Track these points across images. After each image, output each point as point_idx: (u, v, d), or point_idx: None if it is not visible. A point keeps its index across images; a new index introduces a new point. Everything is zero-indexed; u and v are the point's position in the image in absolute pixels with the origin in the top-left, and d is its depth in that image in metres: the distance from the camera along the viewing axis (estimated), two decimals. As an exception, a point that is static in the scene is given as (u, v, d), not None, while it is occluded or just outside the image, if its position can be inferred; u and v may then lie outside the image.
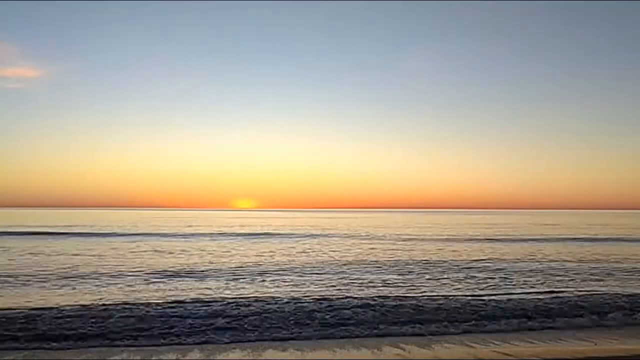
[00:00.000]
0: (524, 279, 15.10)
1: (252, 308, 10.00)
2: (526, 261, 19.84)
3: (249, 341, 8.28)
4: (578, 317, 10.12)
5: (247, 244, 28.13)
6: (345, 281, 14.23)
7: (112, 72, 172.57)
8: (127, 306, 10.07)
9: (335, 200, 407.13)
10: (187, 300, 10.88)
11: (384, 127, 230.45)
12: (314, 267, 17.43)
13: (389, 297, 11.53)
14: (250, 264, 18.27)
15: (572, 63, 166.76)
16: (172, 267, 17.10)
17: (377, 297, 11.46)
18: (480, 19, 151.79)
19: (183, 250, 23.52)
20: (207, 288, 12.88)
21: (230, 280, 14.32)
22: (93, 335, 8.33)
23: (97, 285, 13.15)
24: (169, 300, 10.86)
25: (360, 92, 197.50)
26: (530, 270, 16.95)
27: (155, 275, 15.02)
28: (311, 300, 10.85)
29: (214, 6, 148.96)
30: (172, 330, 8.64)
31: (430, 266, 17.87)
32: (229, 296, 11.58)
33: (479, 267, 17.71)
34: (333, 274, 15.81)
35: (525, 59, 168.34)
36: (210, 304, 10.46)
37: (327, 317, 9.54)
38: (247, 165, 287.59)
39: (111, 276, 14.74)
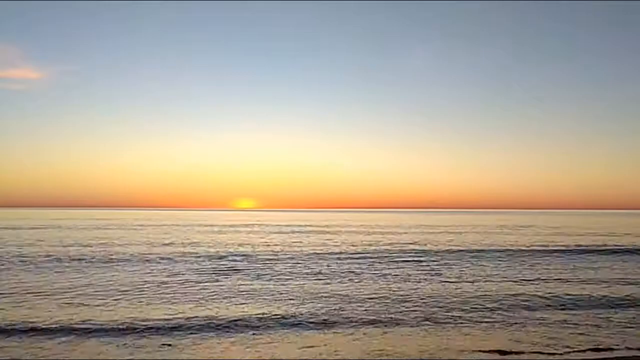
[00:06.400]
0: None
1: None
2: None
3: None
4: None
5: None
6: None
7: (113, 72, 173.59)
8: None
9: (335, 201, 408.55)
10: None
11: (383, 127, 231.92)
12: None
13: None
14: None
15: (572, 63, 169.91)
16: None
17: None
18: (479, 20, 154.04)
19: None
20: None
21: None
22: None
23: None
24: None
25: (360, 92, 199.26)
26: None
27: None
28: None
29: (213, 7, 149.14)
30: None
31: None
32: None
33: None
34: None
35: (523, 60, 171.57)
36: None
37: None
38: (247, 165, 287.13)
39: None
